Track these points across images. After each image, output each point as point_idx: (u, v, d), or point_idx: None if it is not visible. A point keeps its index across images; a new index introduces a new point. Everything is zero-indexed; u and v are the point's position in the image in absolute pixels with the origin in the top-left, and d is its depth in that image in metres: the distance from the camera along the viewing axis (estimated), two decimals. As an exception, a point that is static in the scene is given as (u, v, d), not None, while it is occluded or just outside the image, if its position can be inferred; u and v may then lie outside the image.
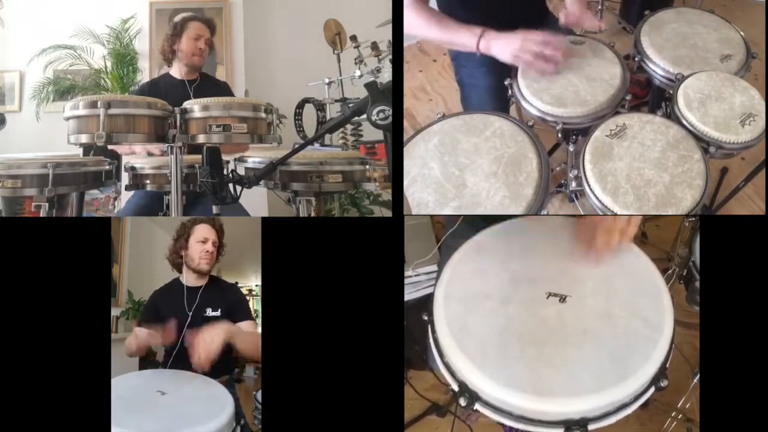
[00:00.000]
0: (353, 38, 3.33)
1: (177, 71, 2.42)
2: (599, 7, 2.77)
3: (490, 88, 1.73)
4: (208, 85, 2.46)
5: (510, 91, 1.61)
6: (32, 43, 3.83)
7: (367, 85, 1.45)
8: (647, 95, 2.04)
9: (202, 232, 1.80)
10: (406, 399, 1.78)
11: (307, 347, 1.32)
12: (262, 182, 1.72)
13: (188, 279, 1.81)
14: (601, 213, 1.32)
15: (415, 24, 1.60)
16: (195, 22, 2.41)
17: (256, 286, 2.88)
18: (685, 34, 1.71)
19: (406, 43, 1.73)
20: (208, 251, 1.79)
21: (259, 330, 1.87)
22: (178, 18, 2.46)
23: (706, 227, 1.35)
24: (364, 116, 1.44)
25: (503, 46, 1.51)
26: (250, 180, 1.66)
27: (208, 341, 1.49)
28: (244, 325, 1.73)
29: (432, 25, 1.58)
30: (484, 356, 0.99)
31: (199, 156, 1.69)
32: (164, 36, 2.45)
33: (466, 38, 1.55)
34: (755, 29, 1.85)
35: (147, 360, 1.88)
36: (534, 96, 1.54)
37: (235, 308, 1.77)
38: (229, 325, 1.62)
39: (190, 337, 1.54)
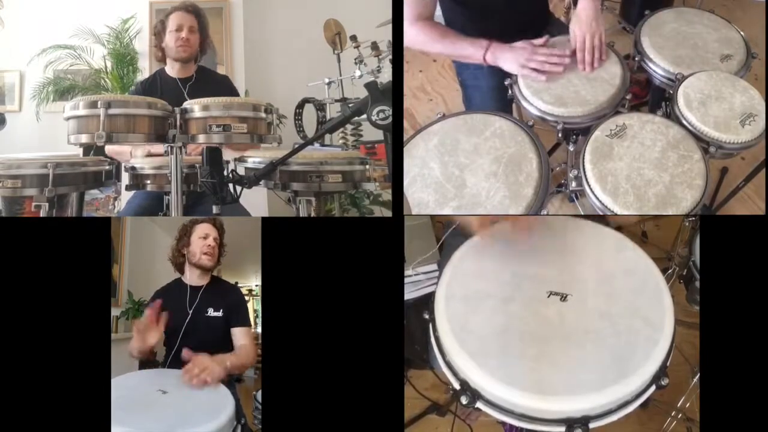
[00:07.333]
0: (353, 38, 3.33)
1: (170, 69, 2.38)
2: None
3: (493, 89, 1.74)
4: (205, 82, 2.36)
5: (510, 91, 1.61)
6: (32, 43, 3.82)
7: (367, 85, 1.45)
8: (647, 95, 2.04)
9: (204, 229, 1.82)
10: (406, 398, 1.77)
11: (307, 347, 1.32)
12: (262, 182, 1.72)
13: (191, 278, 1.81)
14: (601, 213, 1.32)
15: (419, 40, 1.63)
16: (175, 12, 2.29)
17: (256, 286, 2.88)
18: (685, 34, 1.72)
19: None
20: (209, 245, 1.79)
21: (259, 330, 1.86)
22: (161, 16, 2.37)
23: (706, 227, 1.35)
24: (364, 116, 1.44)
25: (510, 58, 1.57)
26: (250, 180, 1.66)
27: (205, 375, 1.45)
28: (238, 332, 1.72)
29: (436, 41, 1.62)
30: (485, 355, 0.99)
31: (199, 156, 1.70)
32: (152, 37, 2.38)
33: (471, 51, 1.60)
34: (755, 29, 1.85)
35: (147, 360, 1.88)
36: (534, 96, 1.54)
37: (234, 310, 1.77)
38: (225, 361, 1.55)
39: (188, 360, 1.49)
